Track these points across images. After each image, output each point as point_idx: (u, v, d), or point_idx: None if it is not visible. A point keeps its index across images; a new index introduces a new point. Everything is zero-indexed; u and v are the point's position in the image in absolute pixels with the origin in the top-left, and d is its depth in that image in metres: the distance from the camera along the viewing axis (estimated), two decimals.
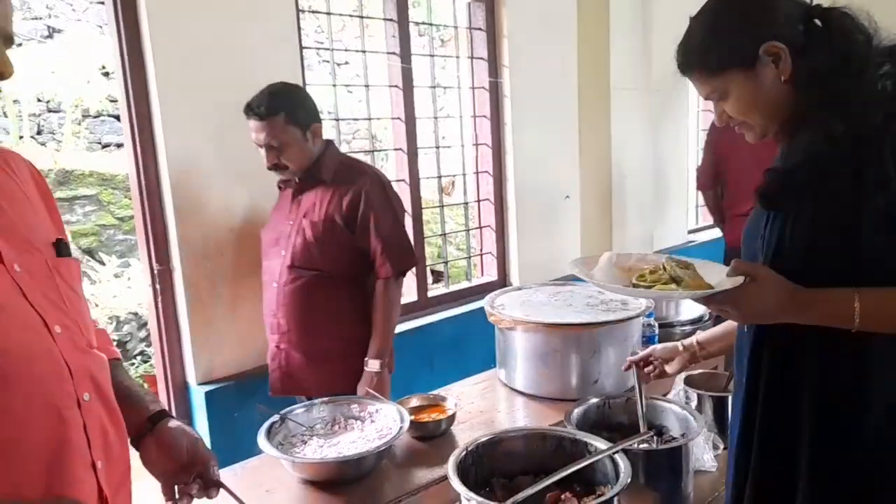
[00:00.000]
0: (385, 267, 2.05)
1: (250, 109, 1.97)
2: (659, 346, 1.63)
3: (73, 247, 4.60)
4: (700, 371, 1.77)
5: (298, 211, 2.09)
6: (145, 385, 4.10)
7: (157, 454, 1.06)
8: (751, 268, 1.07)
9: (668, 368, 1.60)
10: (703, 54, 1.13)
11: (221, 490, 1.10)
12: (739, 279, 1.05)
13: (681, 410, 1.56)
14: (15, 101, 5.37)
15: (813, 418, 1.08)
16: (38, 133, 5.74)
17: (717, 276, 1.15)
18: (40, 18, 5.85)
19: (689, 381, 1.75)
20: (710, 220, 5.27)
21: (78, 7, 6.07)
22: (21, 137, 5.44)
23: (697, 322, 2.22)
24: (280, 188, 2.22)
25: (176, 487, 1.08)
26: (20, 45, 5.37)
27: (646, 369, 1.62)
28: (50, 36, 5.83)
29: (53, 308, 0.90)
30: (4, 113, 5.48)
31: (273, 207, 2.27)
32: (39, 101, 5.68)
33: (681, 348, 1.58)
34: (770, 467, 1.14)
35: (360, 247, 2.05)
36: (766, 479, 1.15)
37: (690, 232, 5.00)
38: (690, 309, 2.31)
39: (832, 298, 1.02)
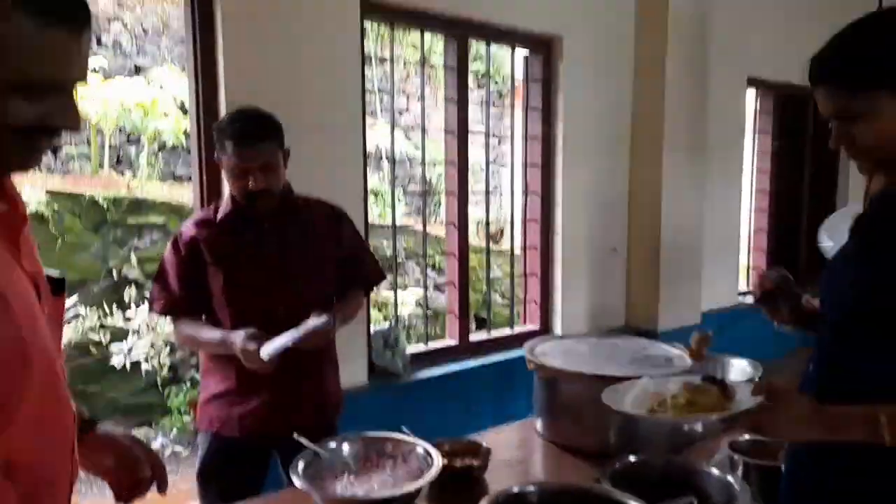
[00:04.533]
0: (370, 275, 2.14)
1: (246, 134, 1.82)
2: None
3: (137, 271, 4.76)
4: (748, 437, 1.70)
5: (275, 235, 1.93)
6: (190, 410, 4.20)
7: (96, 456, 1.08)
8: (770, 389, 1.04)
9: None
10: (851, 67, 1.03)
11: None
12: (756, 400, 1.04)
13: (725, 477, 1.49)
14: (99, 132, 5.73)
15: None
16: (118, 162, 6.10)
17: (744, 395, 1.16)
18: (129, 56, 6.28)
19: (734, 447, 1.68)
20: None
21: (164, 47, 6.51)
22: (101, 166, 5.78)
23: (749, 382, 2.14)
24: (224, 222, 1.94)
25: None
26: (109, 78, 5.77)
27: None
28: (136, 72, 6.25)
29: (59, 353, 0.92)
30: (88, 142, 5.85)
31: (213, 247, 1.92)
32: (121, 132, 6.05)
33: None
34: None
35: (342, 261, 2.04)
36: None
37: (741, 294, 4.86)
38: (738, 370, 2.23)
39: (855, 419, 0.98)
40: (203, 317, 1.97)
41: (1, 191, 0.86)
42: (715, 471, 1.52)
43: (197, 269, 1.92)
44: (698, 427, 1.94)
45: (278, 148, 1.88)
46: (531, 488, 1.33)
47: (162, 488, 1.11)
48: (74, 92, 0.82)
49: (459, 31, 3.17)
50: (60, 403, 0.89)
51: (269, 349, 1.72)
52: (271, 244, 1.92)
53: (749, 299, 5.06)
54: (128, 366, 4.26)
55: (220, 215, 1.94)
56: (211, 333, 1.88)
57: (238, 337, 1.76)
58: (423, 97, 3.26)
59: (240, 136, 1.81)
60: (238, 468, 1.93)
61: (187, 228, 1.95)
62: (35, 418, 0.81)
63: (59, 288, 0.95)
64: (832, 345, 1.08)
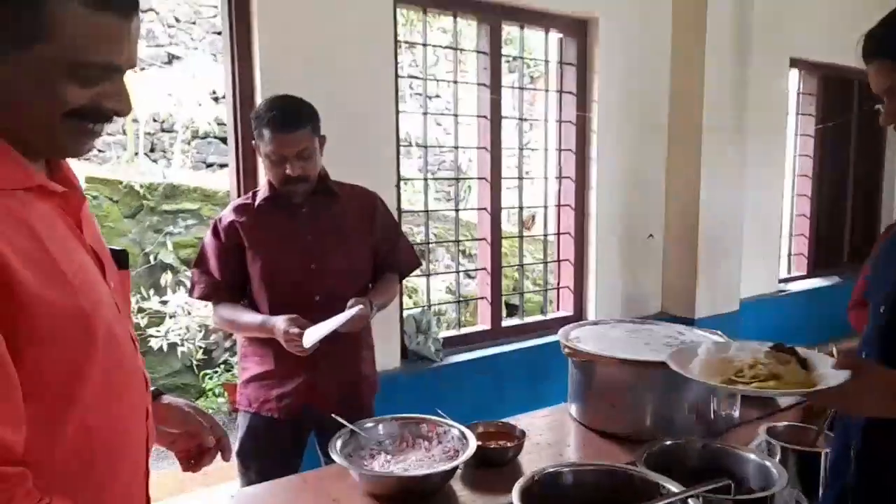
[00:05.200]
0: (406, 261, 2.16)
1: (283, 121, 1.84)
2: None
3: (172, 256, 4.88)
4: (785, 423, 1.68)
5: (314, 220, 1.96)
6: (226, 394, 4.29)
7: (161, 425, 1.09)
8: (856, 363, 1.01)
9: None
10: None
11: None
12: (843, 374, 1.00)
13: (762, 461, 1.47)
14: (134, 121, 5.85)
15: None
16: (152, 150, 6.22)
17: (823, 367, 1.10)
18: (162, 46, 6.38)
19: (772, 433, 1.66)
20: (802, 270, 5.01)
21: (196, 37, 6.59)
22: (136, 154, 5.91)
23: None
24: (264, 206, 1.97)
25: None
26: (143, 69, 5.88)
27: None
28: (169, 62, 6.34)
29: (130, 322, 0.97)
30: (124, 130, 5.98)
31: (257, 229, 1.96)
32: (155, 121, 6.17)
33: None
34: None
35: (377, 247, 2.07)
36: None
37: (781, 281, 4.75)
38: None
39: None
40: (242, 301, 2.01)
41: (60, 174, 0.89)
42: (752, 455, 1.50)
43: (236, 254, 1.95)
44: (735, 412, 1.92)
45: (315, 135, 1.91)
46: (566, 469, 1.33)
47: (226, 457, 1.14)
48: (125, 77, 0.84)
49: (492, 15, 3.14)
50: (131, 371, 0.92)
51: (311, 337, 1.74)
52: (308, 229, 1.95)
53: (791, 286, 4.88)
54: (165, 347, 4.37)
55: (258, 201, 1.97)
56: (251, 317, 1.92)
57: (280, 321, 1.79)
58: (455, 82, 3.24)
59: (277, 124, 1.84)
60: (277, 447, 1.97)
61: (226, 214, 1.99)
62: (106, 386, 0.84)
63: (122, 262, 0.99)
64: (890, 327, 1.05)
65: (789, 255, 4.97)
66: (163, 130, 6.24)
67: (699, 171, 3.67)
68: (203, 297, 2.01)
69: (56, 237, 0.82)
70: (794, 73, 4.66)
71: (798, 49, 4.44)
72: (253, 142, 1.95)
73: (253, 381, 1.99)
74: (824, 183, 5.07)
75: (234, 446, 2.04)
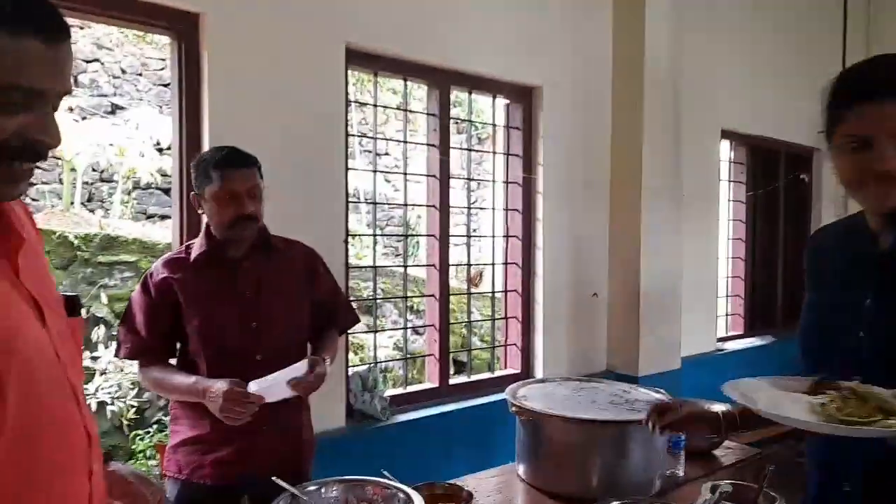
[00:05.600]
0: (347, 318, 2.15)
1: (233, 159, 1.84)
2: (691, 402, 1.50)
3: (106, 309, 4.68)
4: (727, 482, 1.70)
5: (253, 275, 1.90)
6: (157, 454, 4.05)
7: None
8: None
9: (692, 433, 1.45)
10: None
11: None
12: None
13: None
14: (72, 170, 5.68)
15: None
16: (89, 200, 6.03)
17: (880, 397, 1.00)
18: (106, 96, 6.29)
19: (715, 491, 1.67)
20: (739, 330, 5.19)
21: (142, 87, 6.53)
22: (72, 203, 5.71)
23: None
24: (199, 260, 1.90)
25: None
26: (84, 118, 5.76)
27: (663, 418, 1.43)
28: (112, 112, 6.24)
29: (76, 373, 0.91)
30: (60, 179, 5.79)
31: (193, 289, 1.87)
32: (94, 170, 6.01)
33: (719, 415, 1.41)
34: None
35: (318, 304, 2.04)
36: None
37: (720, 340, 4.91)
38: None
39: None
40: (171, 360, 1.92)
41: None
42: None
43: (167, 311, 1.86)
44: (680, 471, 1.94)
45: (261, 178, 1.90)
46: None
47: None
48: (53, 107, 0.80)
49: (442, 80, 3.24)
50: (64, 426, 0.85)
51: (257, 388, 1.69)
52: (248, 284, 1.89)
53: (728, 345, 5.03)
54: (93, 406, 4.12)
55: (193, 255, 1.90)
56: (182, 379, 1.82)
57: (220, 383, 1.71)
58: (405, 141, 3.30)
59: (229, 160, 1.84)
60: None
61: (158, 269, 1.89)
62: (20, 442, 0.77)
63: (73, 308, 0.95)
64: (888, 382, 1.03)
65: (727, 314, 5.16)
66: (102, 180, 6.09)
67: (639, 232, 3.81)
68: (130, 357, 1.91)
69: None
70: (725, 144, 4.96)
71: (727, 121, 4.74)
72: (192, 193, 1.90)
73: (184, 445, 1.88)
74: (757, 246, 5.34)
75: None
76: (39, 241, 1.00)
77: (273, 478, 1.54)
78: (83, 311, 1.04)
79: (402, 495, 1.56)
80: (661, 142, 3.90)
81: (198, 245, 1.92)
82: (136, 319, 1.88)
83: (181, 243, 2.48)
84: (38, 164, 0.82)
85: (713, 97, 4.54)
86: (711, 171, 4.71)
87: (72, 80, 0.84)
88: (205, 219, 1.92)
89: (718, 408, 1.47)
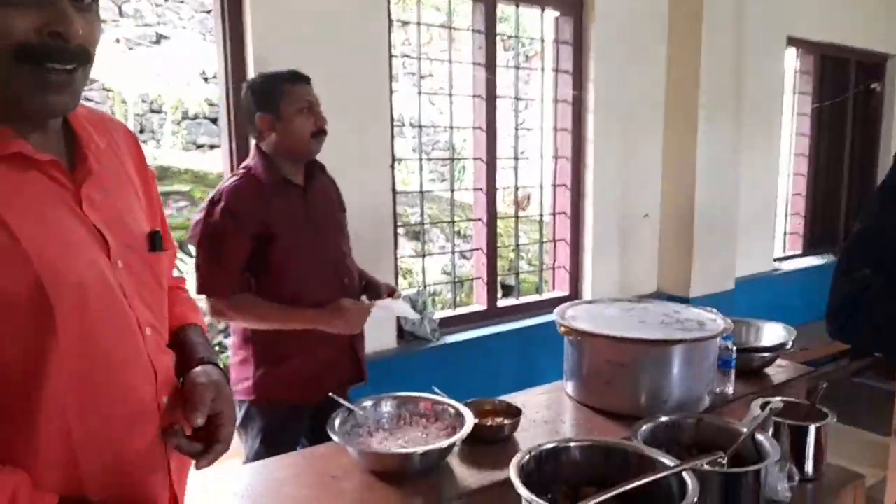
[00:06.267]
0: None
1: (300, 74, 1.91)
2: None
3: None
4: (779, 399, 1.69)
5: (317, 198, 1.96)
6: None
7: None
8: None
9: None
10: None
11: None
12: None
13: (756, 436, 1.49)
14: (123, 102, 5.78)
15: None
16: (141, 131, 6.16)
17: None
18: (150, 25, 6.29)
19: (765, 408, 1.67)
20: (798, 249, 5.03)
21: (184, 16, 6.50)
22: None
23: (779, 349, 2.12)
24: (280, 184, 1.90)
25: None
26: (131, 49, 5.80)
27: None
28: (158, 42, 6.26)
29: (145, 308, 0.90)
30: (112, 111, 5.91)
31: (274, 208, 1.86)
32: (144, 101, 6.10)
33: None
34: None
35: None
36: None
37: (776, 260, 4.77)
38: (771, 335, 2.21)
39: None
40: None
41: (44, 137, 0.83)
42: (745, 430, 1.52)
43: (253, 241, 1.82)
44: (729, 389, 1.94)
45: None
46: (562, 445, 1.33)
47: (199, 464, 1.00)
48: (76, 4, 0.77)
49: None
50: (126, 362, 0.86)
51: (381, 313, 1.91)
52: (318, 209, 1.94)
53: (785, 265, 4.91)
54: None
55: (265, 181, 1.86)
56: (289, 309, 1.84)
57: (346, 301, 1.85)
58: (450, 61, 3.21)
59: (298, 75, 1.89)
60: (296, 433, 1.97)
61: (233, 198, 1.82)
62: (83, 377, 0.80)
63: (152, 244, 0.93)
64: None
65: (785, 233, 4.99)
66: (152, 111, 6.18)
67: (695, 150, 3.67)
68: (232, 293, 1.83)
69: (17, 203, 0.77)
70: (790, 52, 4.64)
71: (795, 28, 4.42)
72: (259, 115, 1.86)
73: (267, 366, 1.91)
74: (820, 162, 5.08)
75: (253, 443, 1.93)
76: (137, 174, 0.98)
77: (330, 394, 1.62)
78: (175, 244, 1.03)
79: (452, 410, 1.62)
80: (721, 53, 3.68)
81: (262, 170, 1.87)
82: (224, 253, 1.81)
83: (231, 172, 2.53)
84: (74, 66, 0.78)
85: (779, 1, 4.21)
86: (775, 83, 4.44)
87: None
88: (254, 145, 1.93)
89: None
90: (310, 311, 1.83)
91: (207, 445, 0.92)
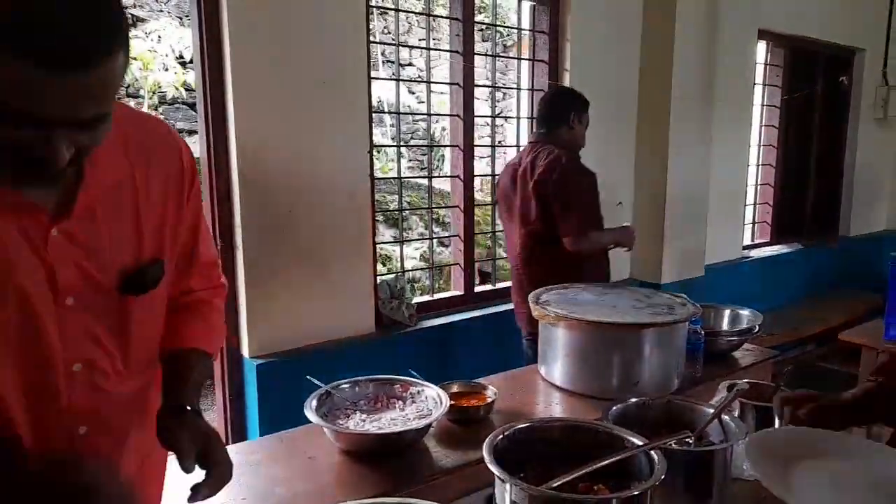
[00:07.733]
0: None
1: None
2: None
3: None
4: (745, 381, 1.75)
5: None
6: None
7: None
8: None
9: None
10: None
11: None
12: None
13: (723, 416, 1.55)
14: None
15: None
16: None
17: None
18: (127, 8, 6.17)
19: (732, 389, 1.73)
20: (766, 237, 5.15)
21: None
22: None
23: (746, 333, 2.19)
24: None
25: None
26: None
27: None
28: (134, 25, 6.15)
29: (92, 344, 0.91)
30: None
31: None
32: (121, 86, 5.99)
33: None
34: None
35: None
36: None
37: (745, 248, 4.89)
38: (739, 320, 2.28)
39: None
40: None
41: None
42: (712, 410, 1.57)
43: None
44: (698, 372, 2.00)
45: None
46: (535, 425, 1.37)
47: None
48: (60, 128, 0.74)
49: None
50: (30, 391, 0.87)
51: None
52: None
53: (753, 253, 5.02)
54: None
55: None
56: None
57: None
58: (428, 48, 3.22)
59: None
60: None
61: (582, 164, 2.78)
62: None
63: (132, 284, 0.92)
64: None
65: (753, 222, 5.10)
66: (129, 95, 6.08)
67: (667, 140, 3.73)
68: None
69: None
70: (761, 45, 4.72)
71: (766, 21, 4.50)
72: (572, 115, 2.79)
73: None
74: (789, 153, 5.19)
75: None
76: (174, 198, 0.97)
77: (308, 376, 1.64)
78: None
79: (429, 392, 1.65)
80: (694, 45, 3.74)
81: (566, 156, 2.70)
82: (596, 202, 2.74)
83: (209, 157, 2.52)
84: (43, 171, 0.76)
85: None
86: (746, 76, 4.52)
87: (98, 105, 0.76)
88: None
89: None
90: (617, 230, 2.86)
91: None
